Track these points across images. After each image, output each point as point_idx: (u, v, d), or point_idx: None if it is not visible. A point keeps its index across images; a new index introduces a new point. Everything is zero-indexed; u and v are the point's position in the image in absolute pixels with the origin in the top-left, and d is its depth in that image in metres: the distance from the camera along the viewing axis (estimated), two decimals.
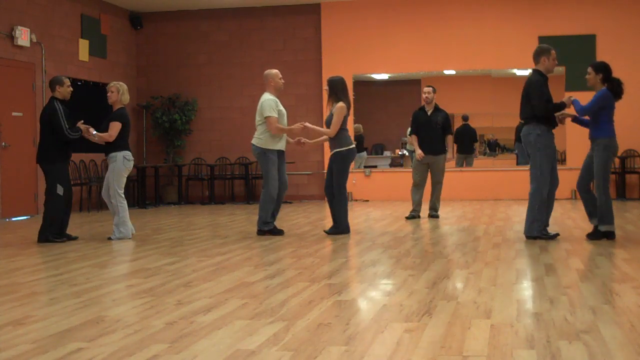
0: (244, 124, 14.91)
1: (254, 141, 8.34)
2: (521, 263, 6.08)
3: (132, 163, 8.37)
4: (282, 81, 8.45)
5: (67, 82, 8.27)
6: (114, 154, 8.24)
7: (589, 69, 7.42)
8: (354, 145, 8.38)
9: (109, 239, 8.24)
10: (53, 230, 8.05)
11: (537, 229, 7.38)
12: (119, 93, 8.35)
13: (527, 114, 7.42)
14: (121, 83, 8.50)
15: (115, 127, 8.19)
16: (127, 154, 8.30)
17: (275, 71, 8.47)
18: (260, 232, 8.39)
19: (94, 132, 8.20)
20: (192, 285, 5.22)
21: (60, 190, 8.02)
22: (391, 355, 3.35)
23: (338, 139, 8.28)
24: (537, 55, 7.44)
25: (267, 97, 8.28)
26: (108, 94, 8.39)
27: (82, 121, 8.29)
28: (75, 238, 8.27)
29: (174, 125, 14.60)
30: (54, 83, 8.21)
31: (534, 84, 7.34)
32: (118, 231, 8.23)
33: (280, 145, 8.33)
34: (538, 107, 7.28)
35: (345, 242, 7.76)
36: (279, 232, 8.41)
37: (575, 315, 4.04)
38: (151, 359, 3.35)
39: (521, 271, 5.69)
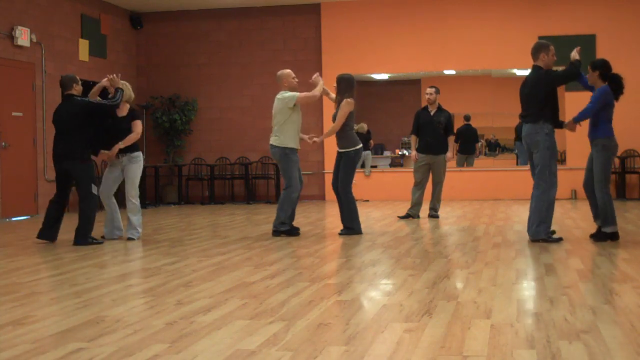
0: (244, 124, 14.93)
1: (273, 141, 8.24)
2: (521, 263, 6.08)
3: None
4: (296, 80, 8.48)
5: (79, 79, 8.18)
6: (137, 153, 8.20)
7: (588, 67, 7.39)
8: (361, 146, 8.38)
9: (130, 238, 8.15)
10: (90, 232, 7.85)
11: (544, 232, 7.20)
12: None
13: (533, 111, 7.27)
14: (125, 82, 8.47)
15: (138, 125, 8.16)
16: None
17: (288, 71, 8.50)
18: (276, 233, 8.27)
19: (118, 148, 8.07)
20: (192, 285, 5.22)
21: (94, 189, 7.88)
22: (391, 355, 3.35)
23: (346, 138, 8.30)
24: (537, 51, 7.32)
25: (283, 93, 8.29)
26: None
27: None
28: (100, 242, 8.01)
29: (174, 125, 14.60)
30: (70, 81, 7.96)
31: (550, 73, 7.25)
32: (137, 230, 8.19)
33: (298, 144, 8.31)
34: (571, 72, 7.22)
35: (345, 242, 7.76)
36: (295, 233, 8.30)
37: (575, 315, 4.04)
38: (151, 359, 3.35)
39: (521, 271, 5.68)
